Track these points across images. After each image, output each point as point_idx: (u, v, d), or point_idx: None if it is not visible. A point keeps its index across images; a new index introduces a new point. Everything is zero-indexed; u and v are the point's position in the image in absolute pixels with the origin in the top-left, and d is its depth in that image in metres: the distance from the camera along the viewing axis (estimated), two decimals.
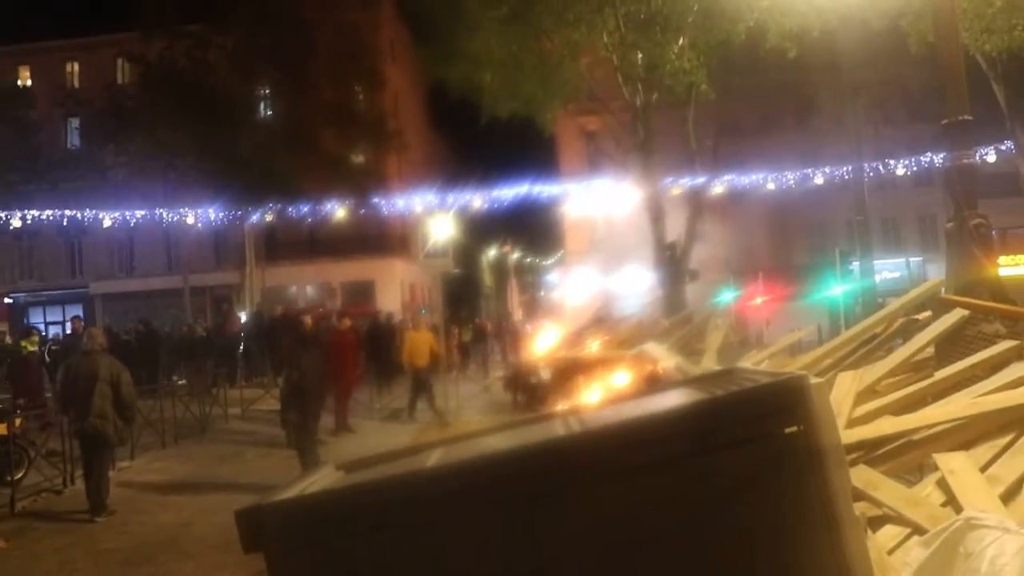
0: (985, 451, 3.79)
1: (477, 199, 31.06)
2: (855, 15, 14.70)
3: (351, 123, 28.08)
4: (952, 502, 3.44)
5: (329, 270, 35.83)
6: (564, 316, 29.32)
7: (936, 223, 31.99)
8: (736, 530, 2.17)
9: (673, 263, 20.72)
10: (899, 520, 3.47)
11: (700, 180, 23.06)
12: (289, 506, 2.32)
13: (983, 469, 3.63)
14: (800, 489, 2.16)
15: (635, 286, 28.53)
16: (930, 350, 5.31)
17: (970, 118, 6.57)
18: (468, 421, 13.80)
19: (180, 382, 18.40)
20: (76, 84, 37.81)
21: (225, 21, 26.26)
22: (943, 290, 6.27)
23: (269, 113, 30.85)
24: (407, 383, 16.22)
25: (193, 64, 26.61)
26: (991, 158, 26.61)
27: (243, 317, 27.05)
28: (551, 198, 31.96)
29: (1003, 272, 7.32)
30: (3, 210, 28.21)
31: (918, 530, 3.31)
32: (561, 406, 8.09)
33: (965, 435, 3.96)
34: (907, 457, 4.07)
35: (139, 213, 29.38)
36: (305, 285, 36.85)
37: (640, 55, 19.22)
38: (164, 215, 29.52)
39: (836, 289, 17.05)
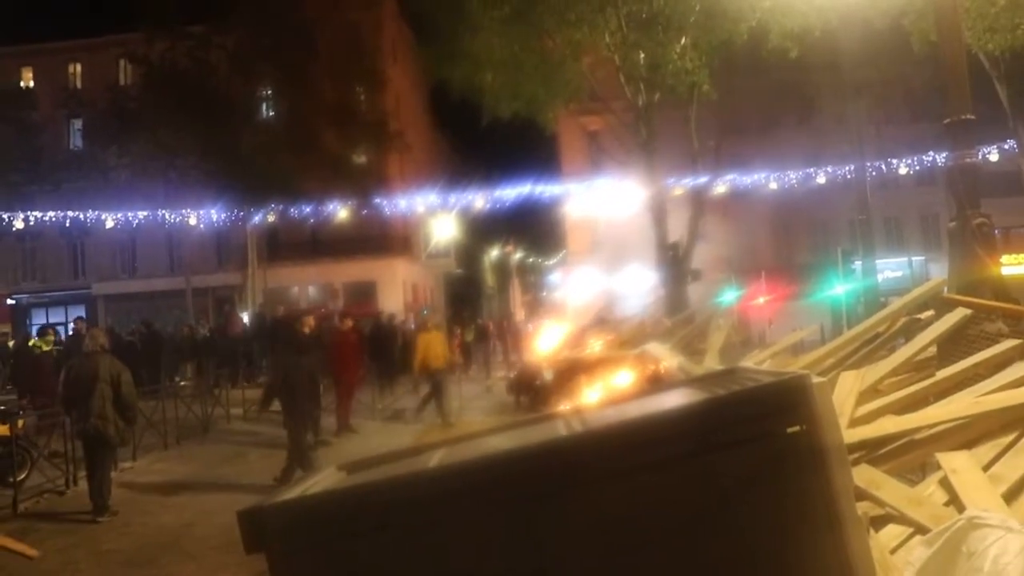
0: (987, 450, 3.79)
1: (479, 199, 31.13)
2: (857, 14, 14.69)
3: (353, 123, 28.06)
4: (954, 501, 3.44)
5: (331, 271, 35.82)
6: (566, 316, 29.29)
7: (938, 222, 32.03)
8: (738, 530, 2.16)
9: (675, 263, 20.71)
10: (902, 519, 3.47)
11: (702, 180, 23.06)
12: (291, 507, 2.32)
13: (986, 468, 3.63)
14: (802, 489, 2.15)
15: (637, 286, 28.55)
16: (932, 349, 5.31)
17: (973, 117, 6.57)
18: (471, 421, 13.79)
19: (182, 383, 18.42)
20: (78, 85, 37.93)
21: (226, 22, 26.28)
22: (945, 289, 6.27)
23: (271, 114, 30.90)
24: (413, 384, 16.20)
25: (195, 65, 26.66)
26: (994, 157, 26.59)
27: (245, 318, 27.09)
28: (553, 198, 32.01)
29: (1005, 271, 7.33)
30: (6, 211, 28.30)
31: (921, 529, 3.31)
32: (563, 406, 8.10)
33: (967, 434, 3.96)
34: (909, 456, 4.07)
35: (141, 214, 29.42)
36: (307, 286, 36.86)
37: (642, 55, 19.27)
38: (166, 216, 29.56)
39: (838, 288, 17.03)
